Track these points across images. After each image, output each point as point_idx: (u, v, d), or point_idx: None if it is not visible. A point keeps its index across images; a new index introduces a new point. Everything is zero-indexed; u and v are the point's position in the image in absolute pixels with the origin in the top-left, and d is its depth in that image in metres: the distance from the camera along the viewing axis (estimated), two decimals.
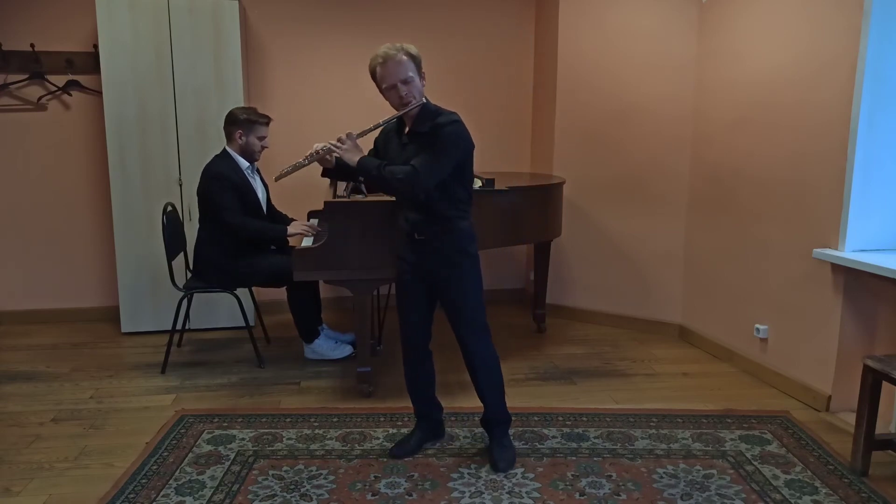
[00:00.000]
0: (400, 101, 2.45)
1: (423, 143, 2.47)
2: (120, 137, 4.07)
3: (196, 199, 3.67)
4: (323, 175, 2.78)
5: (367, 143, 2.60)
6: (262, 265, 3.60)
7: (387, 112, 2.54)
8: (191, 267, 3.79)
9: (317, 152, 2.57)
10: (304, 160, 2.58)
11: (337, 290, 4.62)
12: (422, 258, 2.59)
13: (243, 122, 3.56)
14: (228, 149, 3.62)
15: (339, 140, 2.53)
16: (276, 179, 2.68)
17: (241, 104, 4.12)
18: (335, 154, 2.54)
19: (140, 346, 4.07)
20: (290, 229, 3.57)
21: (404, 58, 2.43)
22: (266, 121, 3.63)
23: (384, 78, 2.44)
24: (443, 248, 2.56)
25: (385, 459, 2.68)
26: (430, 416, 2.82)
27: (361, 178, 2.56)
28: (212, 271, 3.59)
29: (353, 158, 2.50)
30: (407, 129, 2.56)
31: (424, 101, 2.50)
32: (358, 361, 3.30)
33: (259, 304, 4.25)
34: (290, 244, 3.85)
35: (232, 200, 3.50)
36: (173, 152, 4.14)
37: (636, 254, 4.35)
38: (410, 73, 2.43)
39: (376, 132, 2.64)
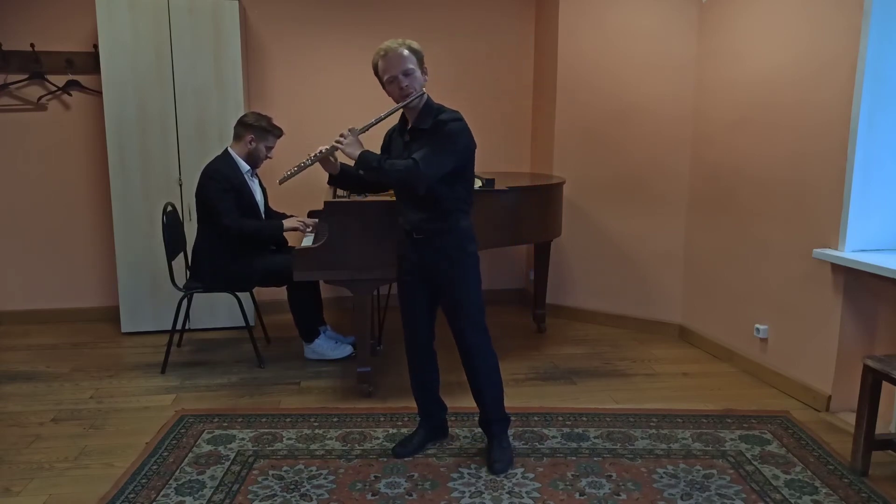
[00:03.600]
0: (400, 94, 2.46)
1: (425, 140, 2.48)
2: (120, 137, 4.07)
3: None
4: (329, 183, 2.78)
5: (372, 145, 2.59)
6: (261, 266, 3.60)
7: (387, 109, 2.54)
8: (190, 267, 3.79)
9: (319, 152, 2.57)
10: (307, 160, 2.58)
11: (337, 290, 4.61)
12: (422, 257, 2.59)
13: (257, 129, 3.57)
14: (231, 150, 3.62)
15: (341, 136, 2.51)
16: (280, 183, 2.65)
17: (242, 104, 4.13)
18: (338, 149, 2.51)
19: (140, 346, 4.07)
20: (287, 224, 3.58)
21: (405, 52, 2.45)
22: (279, 134, 3.66)
23: (385, 70, 2.45)
24: (443, 246, 2.56)
25: (385, 459, 2.68)
26: (434, 415, 2.82)
27: (361, 172, 2.53)
28: (210, 274, 3.59)
29: (353, 152, 2.47)
30: (409, 127, 2.57)
31: (426, 96, 2.51)
32: (358, 361, 3.30)
33: (259, 304, 4.25)
34: (290, 243, 3.86)
35: (229, 203, 3.49)
36: (173, 152, 4.14)
37: (636, 254, 4.35)
38: (411, 66, 2.45)
39: (379, 126, 2.60)
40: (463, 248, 2.58)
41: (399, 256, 2.71)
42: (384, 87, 2.53)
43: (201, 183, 3.54)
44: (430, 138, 2.47)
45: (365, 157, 2.47)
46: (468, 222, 2.60)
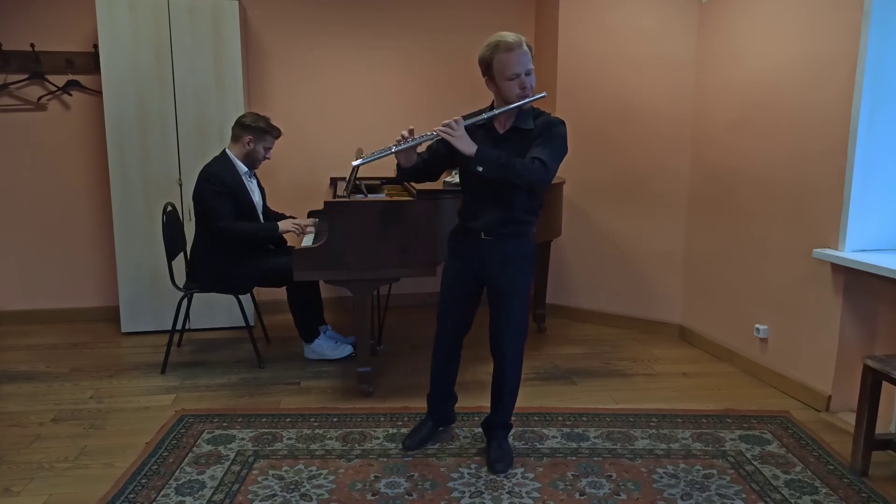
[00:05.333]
0: (521, 92, 2.37)
1: (528, 139, 2.41)
2: (120, 137, 4.07)
3: None
4: (399, 175, 2.60)
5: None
6: (259, 268, 3.59)
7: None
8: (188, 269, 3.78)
9: (407, 137, 2.40)
10: (392, 147, 2.40)
11: (337, 290, 4.61)
12: (486, 259, 2.54)
13: (255, 130, 3.54)
14: (229, 151, 3.60)
15: (447, 126, 2.33)
16: (355, 165, 2.46)
17: (241, 104, 4.13)
18: (448, 139, 2.32)
19: (140, 346, 4.07)
20: (282, 226, 3.57)
21: (527, 49, 2.37)
22: (277, 134, 3.63)
23: (512, 65, 2.33)
24: (513, 251, 2.53)
25: (385, 459, 2.68)
26: (443, 408, 2.85)
27: (479, 169, 2.30)
28: (208, 277, 3.58)
29: (468, 148, 2.31)
30: (507, 126, 2.48)
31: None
32: (358, 361, 3.31)
33: (259, 304, 4.24)
34: (290, 243, 3.86)
35: (225, 206, 3.46)
36: (173, 152, 4.14)
37: (636, 254, 4.35)
38: (531, 65, 2.38)
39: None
40: (530, 256, 2.58)
41: (452, 253, 2.65)
42: (494, 81, 2.39)
43: (197, 185, 3.53)
44: (540, 138, 2.39)
45: (486, 152, 2.32)
46: (535, 230, 2.60)
